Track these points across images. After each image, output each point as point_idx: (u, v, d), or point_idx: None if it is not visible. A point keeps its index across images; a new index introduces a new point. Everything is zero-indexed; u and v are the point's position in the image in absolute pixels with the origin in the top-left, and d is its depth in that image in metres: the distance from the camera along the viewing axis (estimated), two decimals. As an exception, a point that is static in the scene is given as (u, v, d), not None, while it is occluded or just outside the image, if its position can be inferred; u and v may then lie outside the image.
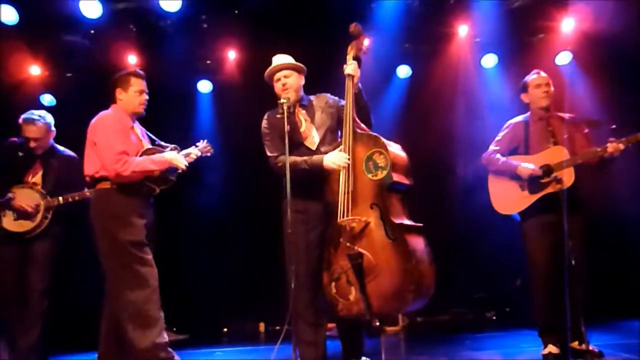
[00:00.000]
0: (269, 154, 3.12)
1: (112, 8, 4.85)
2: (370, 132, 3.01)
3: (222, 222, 5.65)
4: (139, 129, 3.22)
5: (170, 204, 4.05)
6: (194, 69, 5.57)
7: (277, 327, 5.46)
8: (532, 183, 3.30)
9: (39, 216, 3.61)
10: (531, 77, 3.47)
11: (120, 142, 3.01)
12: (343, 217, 2.85)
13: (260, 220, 5.06)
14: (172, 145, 3.27)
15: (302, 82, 3.19)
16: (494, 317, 5.66)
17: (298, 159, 3.01)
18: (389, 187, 2.86)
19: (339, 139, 3.08)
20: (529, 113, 3.50)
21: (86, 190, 3.56)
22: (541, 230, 3.27)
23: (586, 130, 3.40)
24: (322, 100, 3.21)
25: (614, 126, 3.29)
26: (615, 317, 4.49)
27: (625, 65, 4.83)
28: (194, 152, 3.34)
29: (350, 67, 3.04)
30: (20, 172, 3.70)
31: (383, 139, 2.92)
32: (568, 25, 5.12)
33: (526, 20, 5.13)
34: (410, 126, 5.33)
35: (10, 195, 3.59)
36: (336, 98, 3.22)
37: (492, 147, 3.51)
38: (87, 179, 3.12)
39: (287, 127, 2.90)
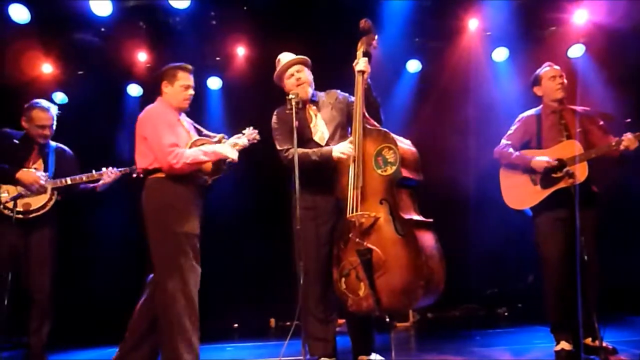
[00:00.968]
0: (278, 147, 3.12)
1: (122, 6, 4.90)
2: (380, 128, 2.99)
3: (233, 218, 5.64)
4: (185, 120, 3.16)
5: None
6: (203, 65, 5.56)
7: (288, 323, 5.47)
8: (545, 178, 3.25)
9: (46, 196, 3.55)
10: (544, 70, 3.42)
11: (170, 134, 2.94)
12: (352, 212, 2.84)
13: (270, 216, 5.05)
14: (220, 135, 3.15)
15: (312, 76, 3.19)
16: (506, 313, 5.60)
17: (308, 150, 3.02)
18: (399, 182, 2.85)
19: (349, 135, 3.08)
20: (541, 106, 3.45)
21: (94, 172, 3.56)
22: (553, 226, 3.22)
23: (601, 122, 3.33)
24: (332, 97, 3.21)
25: (629, 120, 3.23)
26: (629, 313, 4.43)
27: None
28: (241, 141, 3.11)
29: (361, 64, 3.03)
30: (19, 161, 3.60)
31: (392, 135, 2.91)
32: (581, 17, 5.04)
33: (537, 13, 5.06)
34: (420, 121, 5.30)
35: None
36: (346, 94, 3.22)
37: (504, 141, 3.46)
38: (140, 172, 3.05)
39: (295, 123, 2.90)
